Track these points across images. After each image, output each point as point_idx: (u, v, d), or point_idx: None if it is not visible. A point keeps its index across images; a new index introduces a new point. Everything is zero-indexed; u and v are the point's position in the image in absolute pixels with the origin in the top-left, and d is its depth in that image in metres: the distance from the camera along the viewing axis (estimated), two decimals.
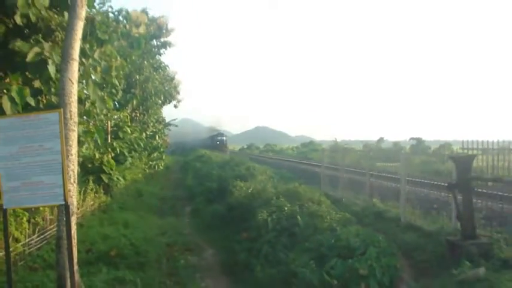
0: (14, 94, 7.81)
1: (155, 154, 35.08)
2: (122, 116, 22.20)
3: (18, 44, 8.38)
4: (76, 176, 6.64)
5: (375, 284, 7.39)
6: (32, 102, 8.31)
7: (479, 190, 9.62)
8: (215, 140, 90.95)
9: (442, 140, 68.71)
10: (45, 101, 9.26)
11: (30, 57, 8.16)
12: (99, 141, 12.13)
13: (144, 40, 28.95)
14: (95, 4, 11.78)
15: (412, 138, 64.09)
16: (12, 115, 7.29)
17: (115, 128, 21.17)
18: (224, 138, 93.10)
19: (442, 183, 10.68)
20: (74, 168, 6.49)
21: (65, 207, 5.86)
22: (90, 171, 15.87)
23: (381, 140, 69.34)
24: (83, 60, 10.12)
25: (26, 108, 8.19)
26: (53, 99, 9.16)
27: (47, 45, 8.49)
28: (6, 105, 7.70)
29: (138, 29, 28.71)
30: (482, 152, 11.07)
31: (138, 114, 30.49)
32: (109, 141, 19.59)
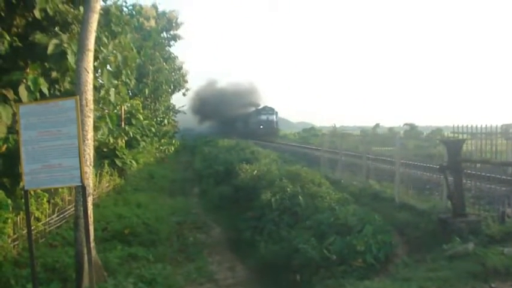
0: (29, 83, 7.85)
1: (165, 139, 35.16)
2: (134, 104, 22.21)
3: (38, 36, 8.42)
4: (92, 159, 6.67)
5: (371, 258, 7.44)
6: (46, 91, 8.32)
7: (469, 171, 9.60)
8: (257, 122, 52.04)
9: (434, 125, 68.48)
10: (62, 89, 9.28)
11: (50, 49, 8.19)
12: (110, 126, 12.16)
13: (155, 33, 29.01)
14: None
15: (405, 124, 63.98)
16: (32, 102, 7.31)
17: (128, 115, 21.21)
18: (274, 117, 53.80)
19: (434, 166, 10.62)
20: (90, 152, 6.51)
21: (82, 188, 5.88)
22: (105, 155, 15.94)
23: (376, 125, 68.99)
24: (102, 48, 10.14)
25: (43, 96, 8.21)
26: (69, 87, 9.18)
27: (64, 37, 8.51)
28: (23, 93, 7.76)
29: (148, 22, 28.69)
30: (471, 136, 11.02)
31: (149, 102, 30.53)
32: (123, 126, 19.67)
